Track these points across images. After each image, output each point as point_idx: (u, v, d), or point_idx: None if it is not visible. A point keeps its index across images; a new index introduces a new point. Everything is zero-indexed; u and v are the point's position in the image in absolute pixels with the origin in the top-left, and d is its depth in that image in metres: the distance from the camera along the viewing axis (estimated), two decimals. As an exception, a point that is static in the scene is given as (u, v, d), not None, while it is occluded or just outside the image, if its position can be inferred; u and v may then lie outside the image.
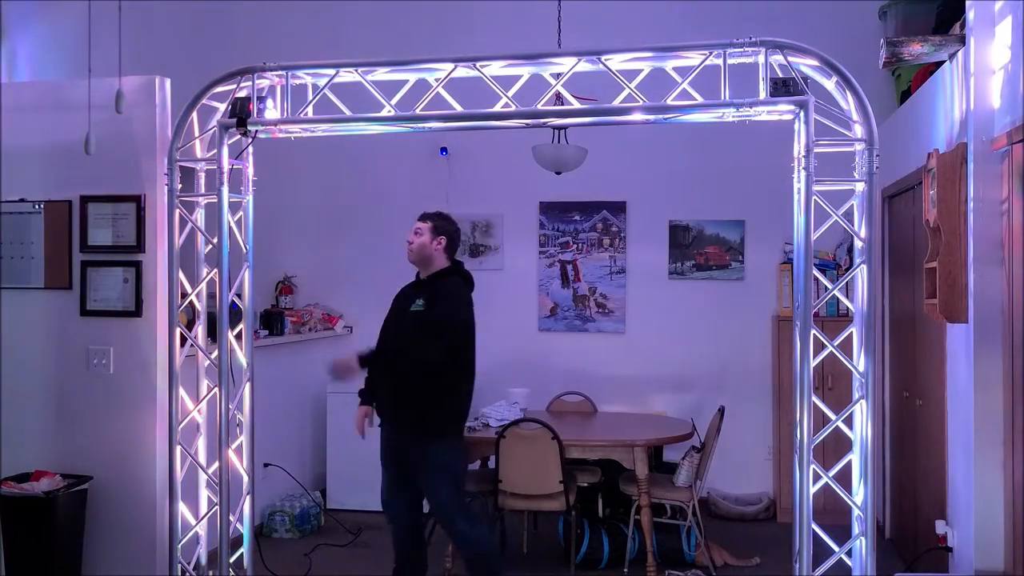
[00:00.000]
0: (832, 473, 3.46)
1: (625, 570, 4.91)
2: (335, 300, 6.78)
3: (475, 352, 4.13)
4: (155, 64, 4.59)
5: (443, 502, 4.00)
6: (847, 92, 3.42)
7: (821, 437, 3.43)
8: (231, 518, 3.97)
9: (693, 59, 3.57)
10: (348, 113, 3.84)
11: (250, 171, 4.08)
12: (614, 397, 6.25)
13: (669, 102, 3.58)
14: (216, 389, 3.89)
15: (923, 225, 4.04)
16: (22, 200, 4.51)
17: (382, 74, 3.85)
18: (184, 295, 4.03)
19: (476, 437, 4.81)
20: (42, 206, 4.49)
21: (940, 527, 4.01)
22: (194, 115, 3.94)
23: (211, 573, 4.18)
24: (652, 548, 4.70)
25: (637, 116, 3.63)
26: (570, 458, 4.73)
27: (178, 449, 3.96)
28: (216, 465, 3.93)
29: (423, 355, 3.85)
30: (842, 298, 5.56)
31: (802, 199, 3.41)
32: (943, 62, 4.04)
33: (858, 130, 3.43)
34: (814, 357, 3.42)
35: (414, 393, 3.95)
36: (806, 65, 3.49)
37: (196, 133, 4.00)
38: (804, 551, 3.40)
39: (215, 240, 3.90)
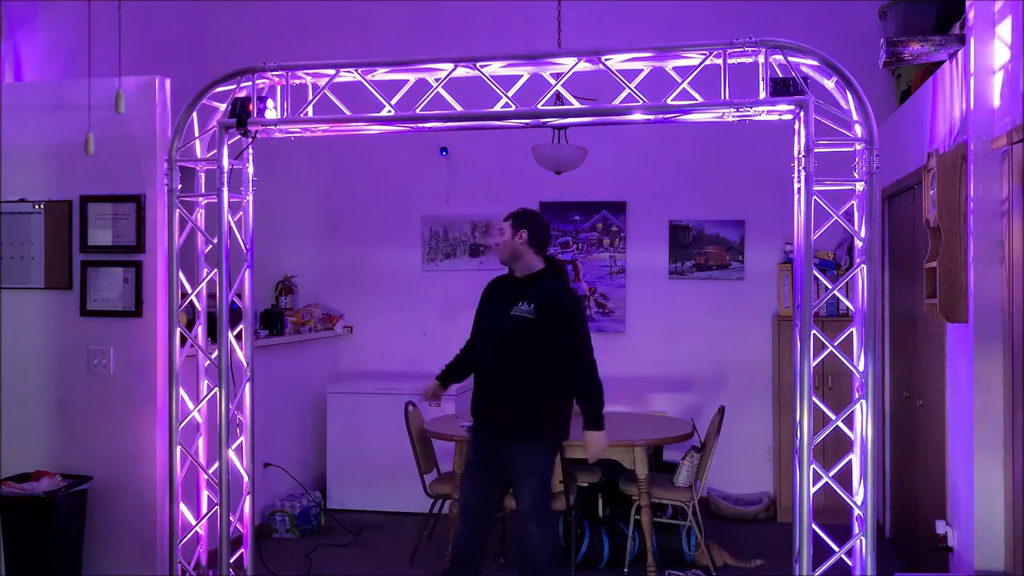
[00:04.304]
0: (832, 473, 3.46)
1: (625, 570, 4.91)
2: (335, 300, 6.78)
3: None
4: (155, 64, 4.60)
5: (527, 505, 3.97)
6: (847, 92, 3.42)
7: (821, 437, 3.43)
8: (231, 518, 3.97)
9: (693, 59, 3.57)
10: (348, 113, 3.85)
11: (250, 171, 4.07)
12: (614, 397, 6.19)
13: (669, 102, 3.58)
14: (216, 389, 3.90)
15: (923, 225, 4.04)
16: (22, 200, 4.51)
17: (382, 74, 3.85)
18: (184, 295, 4.03)
19: (476, 437, 4.80)
20: (42, 206, 4.49)
21: (940, 527, 4.01)
22: (194, 115, 3.94)
23: (211, 573, 4.18)
24: (652, 548, 4.70)
25: (637, 116, 3.63)
26: (570, 458, 4.73)
27: (178, 449, 3.96)
28: (216, 465, 3.94)
29: (521, 362, 3.90)
30: (842, 298, 5.56)
31: (802, 199, 3.42)
32: (943, 62, 4.04)
33: (858, 130, 3.43)
34: (814, 357, 3.43)
35: (514, 397, 3.93)
36: (806, 65, 3.49)
37: (196, 133, 4.00)
38: (804, 551, 3.40)
39: (215, 240, 3.91)
